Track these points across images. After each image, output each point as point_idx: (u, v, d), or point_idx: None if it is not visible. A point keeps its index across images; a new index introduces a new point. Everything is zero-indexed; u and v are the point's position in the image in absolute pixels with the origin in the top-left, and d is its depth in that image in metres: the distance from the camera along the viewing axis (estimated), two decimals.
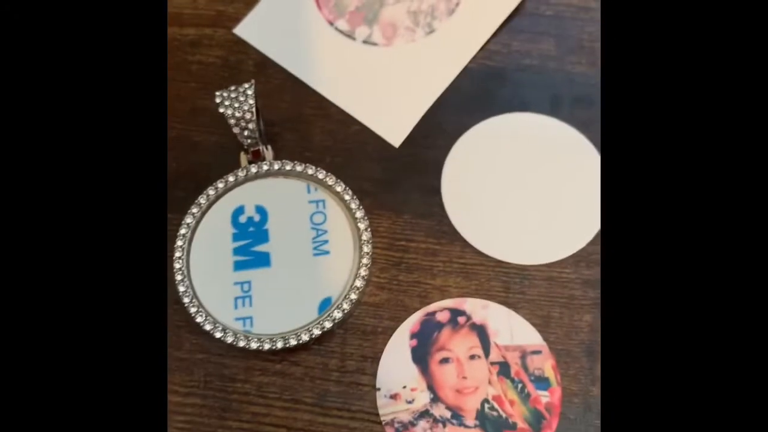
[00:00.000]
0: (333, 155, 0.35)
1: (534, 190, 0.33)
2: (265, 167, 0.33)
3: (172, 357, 0.31)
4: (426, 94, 0.36)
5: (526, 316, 0.31)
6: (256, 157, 0.34)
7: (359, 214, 0.32)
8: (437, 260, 0.32)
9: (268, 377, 0.31)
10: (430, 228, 0.33)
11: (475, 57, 0.36)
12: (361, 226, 0.32)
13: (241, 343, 0.30)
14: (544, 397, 0.30)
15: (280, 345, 0.30)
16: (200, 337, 0.31)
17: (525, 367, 0.30)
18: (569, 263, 0.32)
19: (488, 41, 0.37)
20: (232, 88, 0.33)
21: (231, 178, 0.33)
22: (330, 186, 0.33)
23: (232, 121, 0.33)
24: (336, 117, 0.35)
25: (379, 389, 0.30)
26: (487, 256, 0.32)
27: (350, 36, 0.37)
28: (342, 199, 0.32)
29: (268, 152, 0.34)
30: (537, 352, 0.30)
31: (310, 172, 0.33)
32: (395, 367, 0.30)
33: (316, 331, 0.30)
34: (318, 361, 0.31)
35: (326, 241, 0.32)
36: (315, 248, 0.32)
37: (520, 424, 0.29)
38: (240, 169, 0.33)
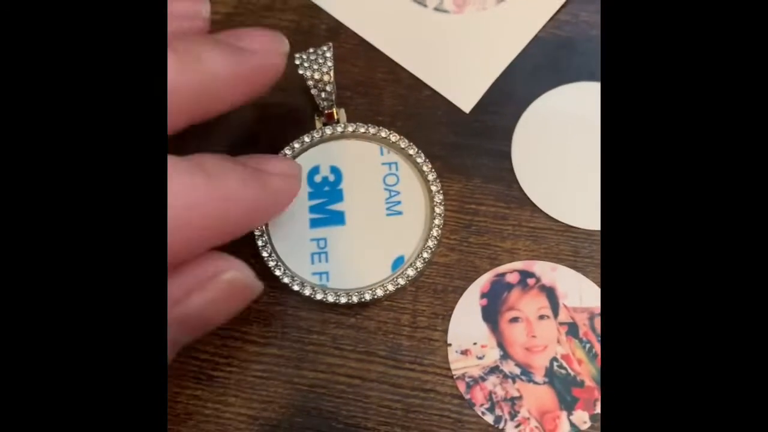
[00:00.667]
0: (404, 119, 0.35)
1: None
2: (340, 129, 0.34)
3: (250, 308, 0.32)
4: (496, 61, 0.36)
5: (595, 279, 0.32)
6: (330, 120, 0.35)
7: (431, 176, 0.33)
8: (507, 224, 0.33)
9: (343, 330, 0.32)
10: (500, 192, 0.34)
11: (545, 26, 0.37)
12: (434, 188, 0.33)
13: (319, 296, 0.31)
14: None
15: (355, 299, 0.31)
16: (277, 290, 0.32)
17: (593, 329, 0.31)
18: None
19: (558, 11, 0.37)
20: (311, 50, 0.34)
21: (306, 139, 0.34)
22: (402, 149, 0.33)
23: (311, 83, 0.34)
24: (407, 82, 0.36)
25: (450, 345, 0.31)
26: (556, 221, 0.33)
27: (421, 3, 0.37)
28: (414, 162, 0.33)
29: (342, 115, 0.35)
30: None
31: (383, 135, 0.34)
32: (466, 324, 0.31)
33: (390, 288, 0.31)
34: (390, 316, 0.32)
35: (399, 202, 0.33)
36: (388, 209, 0.33)
37: (588, 383, 0.30)
38: (315, 131, 0.34)
